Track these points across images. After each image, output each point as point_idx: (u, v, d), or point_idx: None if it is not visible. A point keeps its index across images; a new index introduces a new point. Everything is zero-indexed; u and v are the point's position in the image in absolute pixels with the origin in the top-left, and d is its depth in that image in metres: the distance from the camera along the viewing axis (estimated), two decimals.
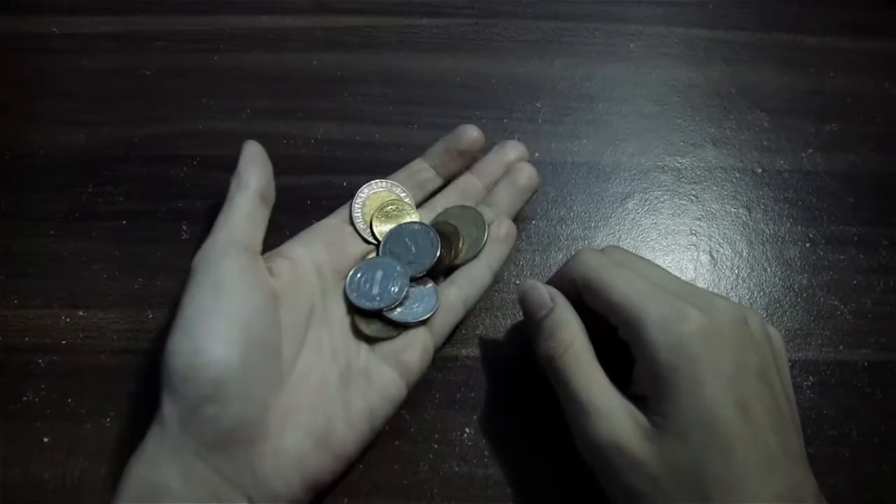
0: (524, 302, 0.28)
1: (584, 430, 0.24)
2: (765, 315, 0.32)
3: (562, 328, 0.26)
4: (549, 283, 0.28)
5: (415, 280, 0.29)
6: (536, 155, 0.36)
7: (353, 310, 0.28)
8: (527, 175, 0.32)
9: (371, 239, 0.30)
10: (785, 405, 0.24)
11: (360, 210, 0.31)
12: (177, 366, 0.23)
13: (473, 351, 0.31)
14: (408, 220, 0.30)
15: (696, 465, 0.22)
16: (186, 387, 0.23)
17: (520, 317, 0.31)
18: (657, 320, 0.23)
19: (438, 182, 0.32)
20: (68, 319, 0.31)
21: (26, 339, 0.30)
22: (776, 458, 0.22)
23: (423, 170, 0.32)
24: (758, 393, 0.23)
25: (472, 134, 0.31)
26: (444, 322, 0.29)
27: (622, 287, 0.25)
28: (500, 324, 0.31)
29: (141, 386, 0.29)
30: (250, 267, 0.26)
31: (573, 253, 0.30)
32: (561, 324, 0.26)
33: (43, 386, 0.29)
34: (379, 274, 0.29)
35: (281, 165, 0.34)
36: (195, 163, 0.35)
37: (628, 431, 0.23)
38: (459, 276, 0.30)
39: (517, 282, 0.32)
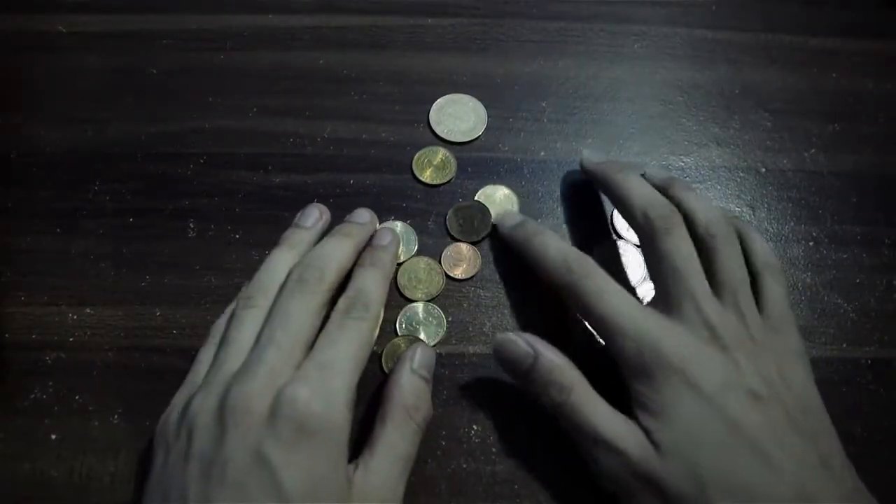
0: (502, 358, 0.27)
1: (599, 463, 0.24)
2: None
3: (556, 374, 0.26)
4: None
5: None
6: (542, 154, 0.36)
7: None
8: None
9: None
10: (796, 413, 0.24)
11: None
12: None
13: (480, 348, 0.31)
14: None
15: (697, 486, 0.23)
16: None
17: (523, 315, 0.32)
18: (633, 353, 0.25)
19: None
20: (75, 317, 0.31)
21: (34, 336, 0.30)
22: (779, 468, 0.23)
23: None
24: (747, 408, 0.24)
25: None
26: None
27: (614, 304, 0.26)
28: (506, 322, 0.32)
29: (148, 383, 0.29)
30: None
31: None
32: (553, 370, 0.26)
33: (50, 383, 0.29)
34: None
35: (287, 164, 0.35)
36: (202, 161, 0.35)
37: (637, 455, 0.24)
38: None
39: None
